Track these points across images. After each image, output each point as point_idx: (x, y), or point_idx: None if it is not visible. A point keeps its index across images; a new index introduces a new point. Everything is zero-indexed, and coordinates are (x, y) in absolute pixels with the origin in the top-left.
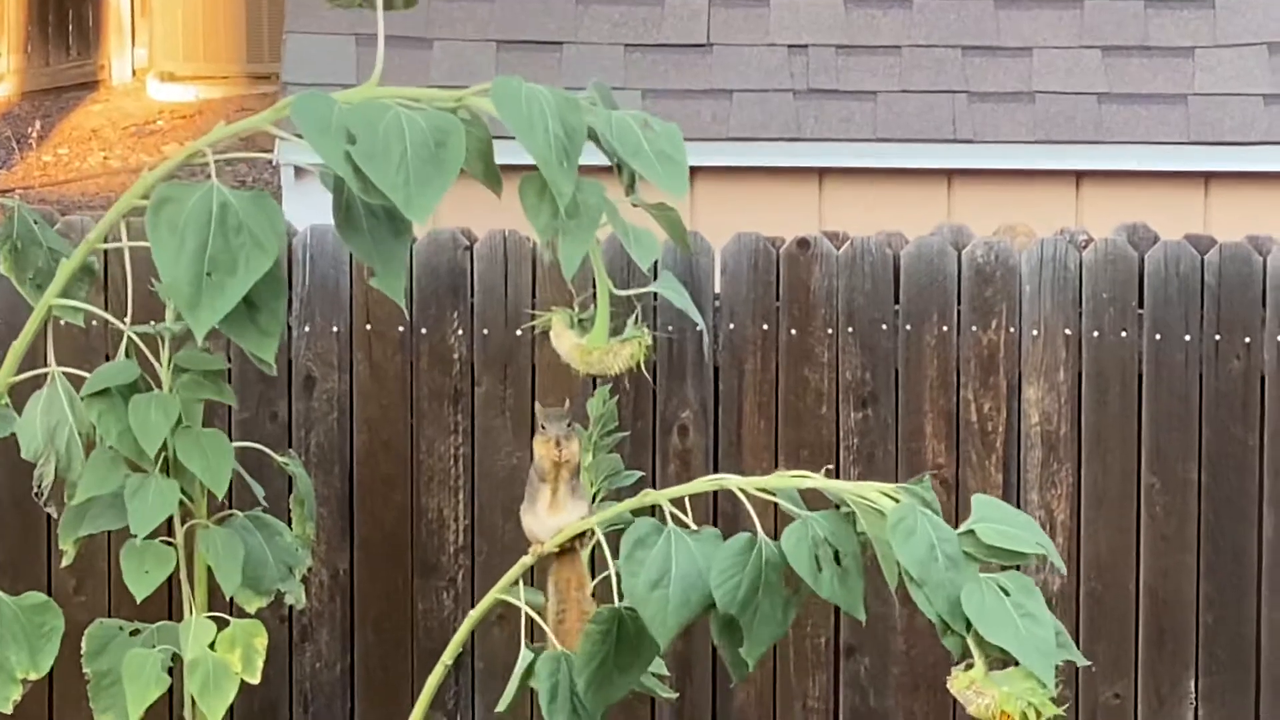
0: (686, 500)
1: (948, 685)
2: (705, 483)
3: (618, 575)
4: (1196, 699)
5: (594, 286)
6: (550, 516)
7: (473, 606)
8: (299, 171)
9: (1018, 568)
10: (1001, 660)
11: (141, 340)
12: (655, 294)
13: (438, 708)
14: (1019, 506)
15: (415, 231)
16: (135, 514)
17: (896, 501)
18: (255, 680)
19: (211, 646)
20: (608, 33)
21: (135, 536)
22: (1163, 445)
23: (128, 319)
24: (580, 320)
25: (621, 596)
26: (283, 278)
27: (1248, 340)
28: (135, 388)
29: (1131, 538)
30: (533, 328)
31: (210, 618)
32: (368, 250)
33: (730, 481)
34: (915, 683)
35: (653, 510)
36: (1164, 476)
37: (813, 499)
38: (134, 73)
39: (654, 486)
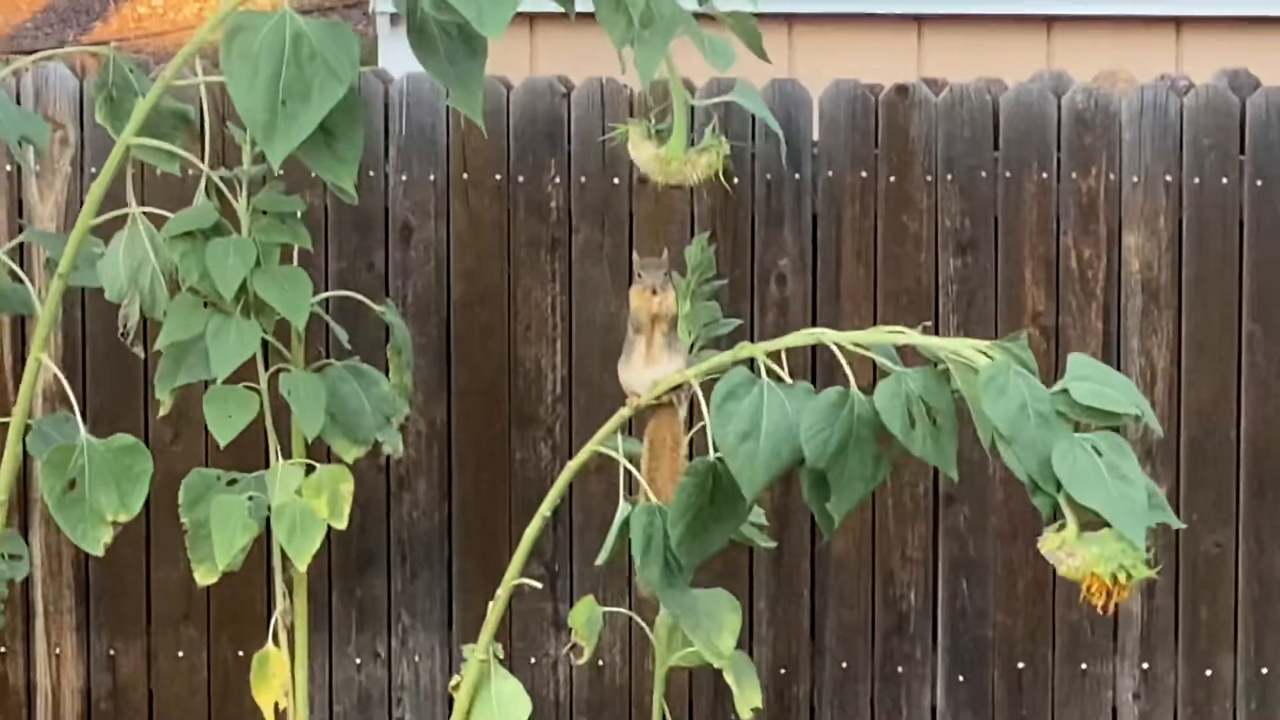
0: (782, 353)
1: (1039, 546)
2: (801, 336)
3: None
4: None
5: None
6: (646, 369)
7: (570, 457)
8: (394, 19)
9: (1116, 429)
10: (1095, 523)
11: (224, 184)
12: (754, 144)
13: (535, 559)
14: (1119, 354)
15: (511, 78)
16: (216, 355)
17: (991, 359)
18: (342, 525)
19: (299, 493)
20: None
21: (218, 380)
22: (1264, 292)
23: (205, 161)
24: (658, 131)
25: (715, 449)
26: (359, 106)
27: None
28: (216, 231)
29: (1232, 385)
30: (630, 179)
31: (298, 464)
32: (442, 69)
33: (826, 336)
34: (1014, 531)
35: (750, 364)
36: (1265, 323)
37: (910, 354)
38: None
39: (751, 335)
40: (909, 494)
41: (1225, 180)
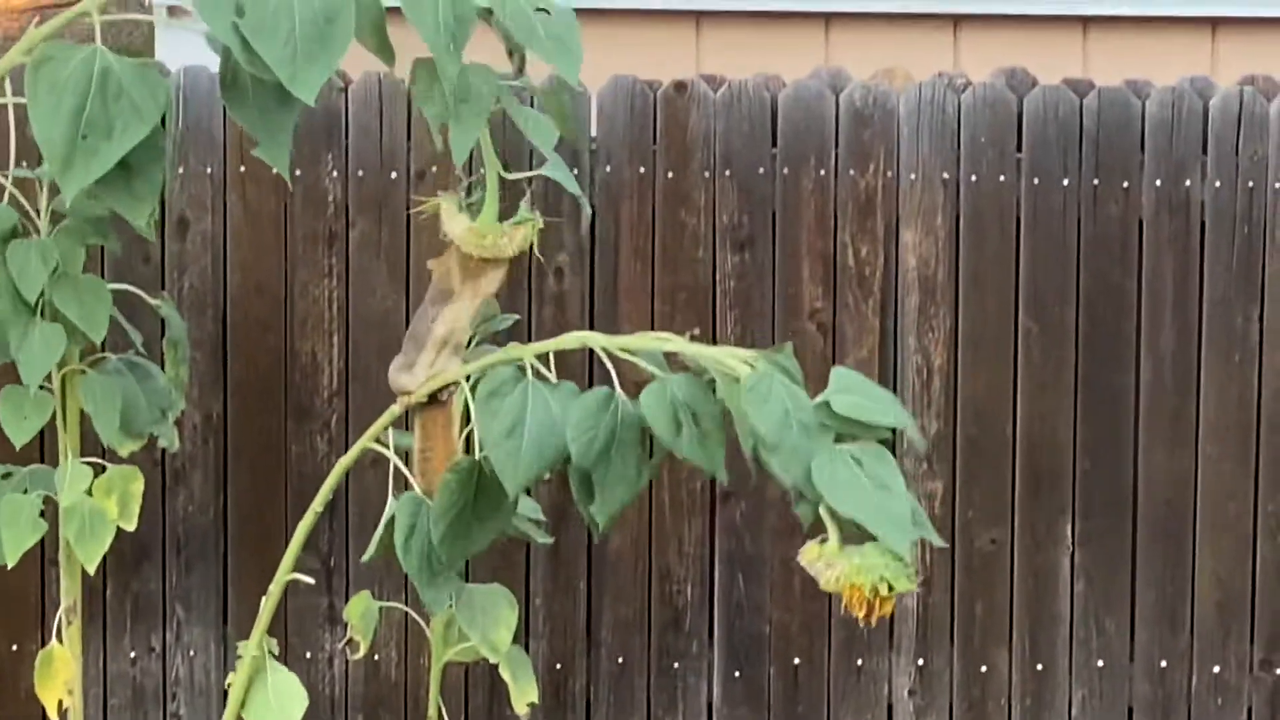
0: (551, 355)
1: (799, 558)
2: (570, 339)
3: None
4: (1073, 543)
5: (484, 169)
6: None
7: (347, 450)
8: (172, 9)
9: (883, 441)
10: (858, 537)
11: (20, 186)
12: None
13: (312, 554)
14: (896, 351)
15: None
16: (25, 364)
17: (754, 368)
18: (131, 527)
19: (89, 493)
20: None
21: (20, 384)
22: (1040, 289)
23: (10, 163)
24: (469, 204)
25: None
26: (162, 146)
27: (1126, 185)
28: (13, 234)
29: (1009, 382)
30: (408, 173)
31: (86, 463)
32: (253, 121)
33: (594, 340)
34: (790, 528)
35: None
36: (1041, 321)
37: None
38: None
39: (529, 330)
40: (686, 490)
41: (1002, 178)
